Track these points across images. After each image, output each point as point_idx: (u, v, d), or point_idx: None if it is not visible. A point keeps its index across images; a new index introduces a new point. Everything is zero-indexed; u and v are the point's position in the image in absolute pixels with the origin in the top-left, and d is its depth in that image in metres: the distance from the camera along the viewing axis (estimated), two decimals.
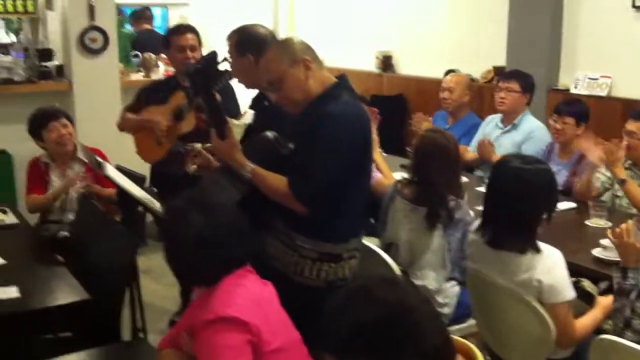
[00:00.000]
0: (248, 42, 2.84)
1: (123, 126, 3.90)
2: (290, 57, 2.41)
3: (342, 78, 2.50)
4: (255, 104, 2.96)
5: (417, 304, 1.25)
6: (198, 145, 2.82)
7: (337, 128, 2.33)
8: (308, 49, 2.46)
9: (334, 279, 2.47)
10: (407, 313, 1.22)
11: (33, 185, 3.81)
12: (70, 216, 3.74)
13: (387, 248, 3.07)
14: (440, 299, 2.99)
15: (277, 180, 2.38)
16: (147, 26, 7.34)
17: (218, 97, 2.68)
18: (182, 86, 3.59)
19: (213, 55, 2.52)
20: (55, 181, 3.80)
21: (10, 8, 6.90)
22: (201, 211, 1.89)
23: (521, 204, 2.45)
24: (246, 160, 2.43)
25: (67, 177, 3.76)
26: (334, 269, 2.46)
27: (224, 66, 2.87)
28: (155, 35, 7.04)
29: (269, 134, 2.47)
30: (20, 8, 6.89)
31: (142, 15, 7.41)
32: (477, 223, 2.74)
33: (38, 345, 2.67)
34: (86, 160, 3.74)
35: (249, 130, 2.76)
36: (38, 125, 3.78)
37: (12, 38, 8.03)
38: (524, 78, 4.39)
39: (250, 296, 1.89)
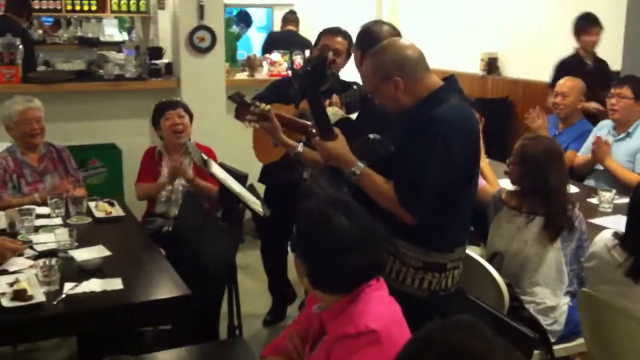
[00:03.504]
0: (360, 37, 2.82)
1: None
2: (381, 74, 2.34)
3: (451, 80, 2.41)
4: (363, 101, 2.93)
5: (493, 352, 1.13)
6: (268, 107, 2.80)
7: (445, 133, 2.23)
8: (402, 63, 2.33)
9: (437, 289, 2.38)
10: None
11: (144, 174, 3.96)
12: (175, 210, 3.82)
13: (491, 258, 2.95)
14: (550, 314, 2.85)
15: (385, 184, 2.32)
16: (292, 27, 7.50)
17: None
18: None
19: (323, 59, 2.51)
20: (166, 170, 3.89)
21: (124, 7, 7.21)
22: (345, 214, 1.80)
23: None
24: (355, 158, 2.37)
25: (172, 165, 3.84)
26: (437, 279, 2.38)
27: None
28: (295, 35, 7.17)
29: (372, 135, 2.42)
30: (133, 7, 7.19)
31: (288, 17, 7.63)
32: (606, 240, 2.55)
33: (138, 337, 2.74)
34: (194, 158, 3.80)
35: (346, 124, 2.73)
36: (158, 113, 3.91)
37: (125, 36, 8.38)
38: (638, 83, 4.14)
39: (390, 312, 1.81)
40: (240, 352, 2.16)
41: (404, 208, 2.26)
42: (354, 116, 2.99)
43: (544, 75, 5.74)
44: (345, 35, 3.68)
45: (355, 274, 1.81)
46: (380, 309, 1.79)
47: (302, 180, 3.43)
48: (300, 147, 2.62)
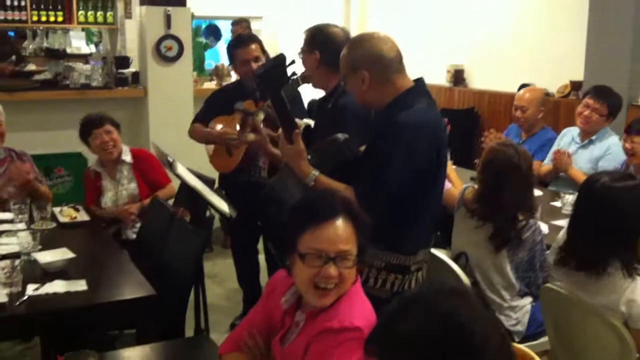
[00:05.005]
0: (317, 38, 2.84)
1: (193, 137, 3.97)
2: (351, 64, 2.36)
3: (419, 82, 2.41)
4: (319, 106, 2.93)
5: (478, 322, 1.14)
6: (261, 116, 2.79)
7: (409, 137, 2.24)
8: (375, 59, 2.33)
9: (400, 290, 2.38)
10: (466, 331, 1.12)
11: (89, 196, 3.90)
12: None
13: (456, 258, 2.98)
14: (512, 315, 2.88)
15: (343, 189, 2.30)
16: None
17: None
18: (249, 95, 3.62)
19: (282, 57, 2.50)
20: (107, 186, 3.84)
21: (91, 19, 7.16)
22: None
23: (611, 223, 2.32)
24: (310, 168, 2.38)
25: (121, 209, 3.78)
26: (400, 280, 2.38)
27: (292, 69, 2.86)
28: None
29: (340, 136, 2.42)
30: (100, 19, 7.14)
31: (244, 25, 7.54)
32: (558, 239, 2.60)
33: (104, 341, 2.70)
34: (130, 162, 3.84)
35: (307, 131, 2.74)
36: (84, 133, 3.85)
37: (92, 49, 8.31)
38: (614, 100, 4.17)
39: (371, 308, 1.80)
40: (205, 349, 2.14)
41: (362, 209, 2.25)
42: (311, 122, 3.00)
43: (509, 86, 5.84)
44: (254, 39, 3.79)
45: None
46: (365, 307, 1.79)
47: (260, 179, 3.47)
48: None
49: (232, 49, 3.81)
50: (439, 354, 1.11)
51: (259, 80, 2.52)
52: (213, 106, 3.93)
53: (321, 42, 2.83)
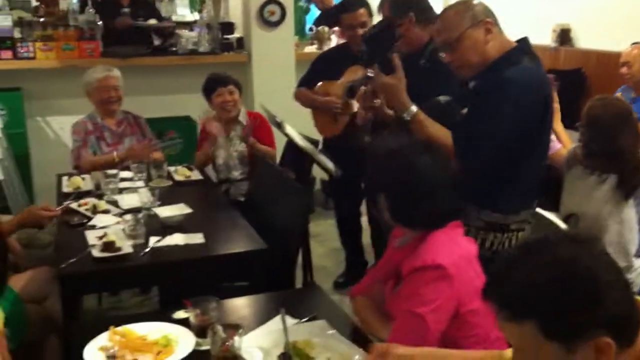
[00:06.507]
0: (405, 2, 2.86)
1: (299, 100, 4.03)
2: (472, 18, 2.32)
3: (524, 42, 2.39)
4: (411, 64, 2.91)
5: (602, 268, 1.12)
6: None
7: (514, 95, 2.22)
8: (489, 11, 2.37)
9: (500, 249, 2.38)
10: (589, 277, 1.10)
11: (200, 144, 4.11)
12: (235, 173, 3.94)
13: (566, 219, 2.93)
14: (628, 276, 2.82)
15: (440, 131, 2.32)
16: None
17: None
18: (356, 59, 3.62)
19: (389, 20, 2.53)
20: (220, 142, 4.00)
21: None
22: (430, 156, 1.89)
23: None
24: (410, 102, 2.37)
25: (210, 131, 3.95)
26: (499, 239, 2.38)
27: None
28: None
29: (441, 98, 2.42)
30: None
31: None
32: None
33: (217, 292, 2.85)
34: (245, 123, 3.97)
35: None
36: (209, 89, 4.00)
37: (196, 16, 8.53)
38: None
39: (460, 251, 1.86)
40: (317, 298, 2.23)
41: (458, 158, 2.24)
42: None
43: (619, 45, 5.59)
44: (362, 3, 3.72)
45: (436, 215, 1.87)
46: (448, 246, 1.84)
47: (365, 144, 3.49)
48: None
49: (339, 12, 3.81)
50: (560, 301, 1.11)
51: (366, 44, 2.55)
52: (319, 70, 3.96)
53: (411, 3, 2.84)
